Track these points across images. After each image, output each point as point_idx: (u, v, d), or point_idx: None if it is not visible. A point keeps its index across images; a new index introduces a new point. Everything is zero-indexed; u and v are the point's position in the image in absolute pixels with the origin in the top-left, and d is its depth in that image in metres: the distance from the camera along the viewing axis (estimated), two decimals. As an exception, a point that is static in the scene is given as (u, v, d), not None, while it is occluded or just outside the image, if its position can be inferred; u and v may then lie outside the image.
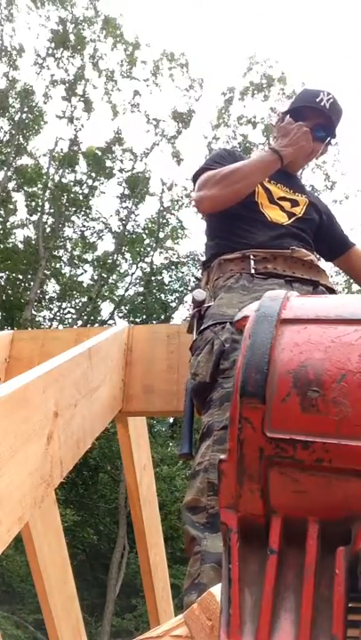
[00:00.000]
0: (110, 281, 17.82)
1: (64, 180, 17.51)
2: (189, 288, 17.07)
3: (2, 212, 17.01)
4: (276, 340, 0.46)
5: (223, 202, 1.70)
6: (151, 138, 19.07)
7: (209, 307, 1.58)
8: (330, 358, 0.44)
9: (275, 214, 1.76)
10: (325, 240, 1.90)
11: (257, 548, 0.44)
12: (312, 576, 0.41)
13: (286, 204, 1.80)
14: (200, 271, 1.89)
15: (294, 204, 1.82)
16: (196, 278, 16.22)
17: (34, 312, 16.28)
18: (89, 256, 18.13)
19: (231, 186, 1.68)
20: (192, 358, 1.53)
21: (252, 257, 1.62)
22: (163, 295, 17.74)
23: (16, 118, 17.16)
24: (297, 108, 1.85)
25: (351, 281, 2.23)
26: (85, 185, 17.72)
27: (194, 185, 1.83)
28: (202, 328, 1.53)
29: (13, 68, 16.87)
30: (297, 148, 1.72)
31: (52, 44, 16.86)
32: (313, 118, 1.81)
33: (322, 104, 1.80)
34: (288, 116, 1.83)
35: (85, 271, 18.20)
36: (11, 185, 17.30)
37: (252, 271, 1.59)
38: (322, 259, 1.96)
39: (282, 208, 1.78)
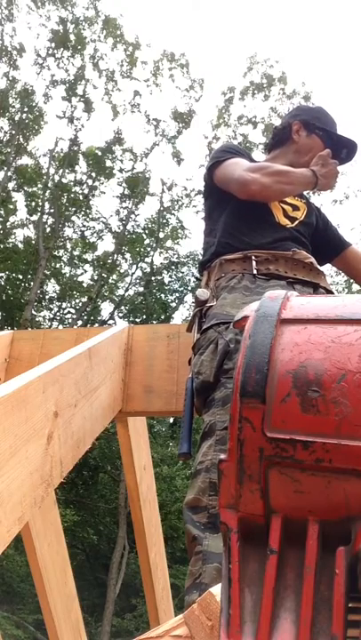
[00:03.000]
0: (110, 281, 17.82)
1: (64, 180, 17.52)
2: (189, 288, 17.08)
3: (2, 212, 17.01)
4: (276, 340, 0.46)
5: (269, 195, 1.74)
6: (151, 138, 19.14)
7: (211, 306, 1.58)
8: (330, 358, 0.44)
9: (280, 216, 1.79)
10: (321, 242, 1.91)
11: (257, 548, 0.44)
12: (312, 576, 0.41)
13: (288, 208, 1.83)
14: (198, 271, 1.89)
15: (295, 208, 1.85)
16: (196, 278, 16.23)
17: (34, 312, 16.28)
18: (89, 256, 18.14)
19: (281, 184, 1.72)
20: (194, 357, 1.53)
21: (253, 258, 1.63)
22: (163, 295, 17.74)
23: (16, 118, 17.15)
24: (328, 132, 1.91)
25: (351, 281, 2.24)
26: (85, 185, 17.73)
27: (212, 170, 1.83)
28: (205, 327, 1.53)
29: (14, 67, 16.88)
30: (327, 183, 1.78)
31: (53, 44, 16.87)
32: (339, 148, 1.89)
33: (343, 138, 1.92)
34: (321, 134, 1.90)
35: (85, 271, 18.23)
36: (11, 185, 17.31)
37: (255, 272, 1.59)
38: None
39: (284, 211, 1.80)
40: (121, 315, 17.39)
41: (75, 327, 15.31)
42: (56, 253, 17.42)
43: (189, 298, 16.82)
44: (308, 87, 18.17)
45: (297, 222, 1.80)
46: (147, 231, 18.23)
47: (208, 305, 1.61)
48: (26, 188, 17.57)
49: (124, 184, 17.77)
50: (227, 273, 1.63)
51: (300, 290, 1.57)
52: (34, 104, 17.25)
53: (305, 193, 2.03)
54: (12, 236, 17.52)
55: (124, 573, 12.71)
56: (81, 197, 17.62)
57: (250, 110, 20.00)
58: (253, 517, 0.44)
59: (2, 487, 0.95)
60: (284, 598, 0.42)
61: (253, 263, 1.62)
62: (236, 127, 17.70)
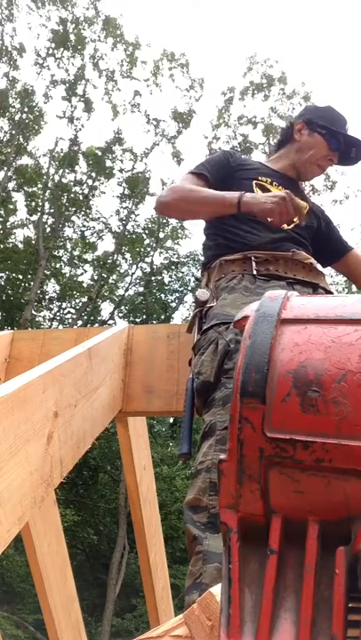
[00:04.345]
0: (110, 281, 17.83)
1: (64, 180, 17.53)
2: (189, 288, 17.09)
3: (2, 212, 17.02)
4: (276, 340, 0.46)
5: (172, 214, 1.82)
6: (151, 138, 19.11)
7: (211, 307, 1.58)
8: (330, 358, 0.44)
9: None
10: (323, 245, 1.91)
11: (257, 548, 0.44)
12: (312, 576, 0.41)
13: None
14: (200, 271, 1.89)
15: None
16: (196, 278, 16.22)
17: (34, 312, 16.29)
18: (89, 256, 18.16)
19: (187, 204, 1.74)
20: (195, 358, 1.53)
21: (253, 258, 1.63)
22: (163, 295, 17.76)
23: (16, 118, 17.16)
24: (333, 130, 1.88)
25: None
26: (85, 185, 17.73)
27: None
28: (205, 328, 1.53)
29: (14, 67, 16.89)
30: (260, 212, 1.61)
31: (53, 44, 16.88)
32: (347, 147, 1.88)
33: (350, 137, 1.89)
34: (324, 133, 1.87)
35: (85, 271, 18.24)
36: (11, 185, 17.32)
37: (254, 272, 1.60)
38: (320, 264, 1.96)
39: None
40: (121, 315, 17.41)
41: (75, 327, 15.31)
42: (56, 253, 17.42)
43: (189, 298, 16.84)
44: (308, 87, 18.22)
45: (294, 225, 1.79)
46: (147, 231, 18.23)
47: (208, 305, 1.61)
48: (26, 188, 17.58)
49: (124, 184, 17.78)
50: (227, 274, 1.63)
51: (300, 290, 1.56)
52: (34, 104, 17.26)
53: (306, 194, 2.03)
54: (12, 236, 17.56)
55: (124, 573, 12.71)
56: (81, 197, 17.63)
57: (250, 110, 20.05)
58: (253, 517, 0.44)
59: (2, 487, 0.95)
60: (284, 598, 0.42)
61: (253, 264, 1.62)
62: (236, 127, 17.72)
